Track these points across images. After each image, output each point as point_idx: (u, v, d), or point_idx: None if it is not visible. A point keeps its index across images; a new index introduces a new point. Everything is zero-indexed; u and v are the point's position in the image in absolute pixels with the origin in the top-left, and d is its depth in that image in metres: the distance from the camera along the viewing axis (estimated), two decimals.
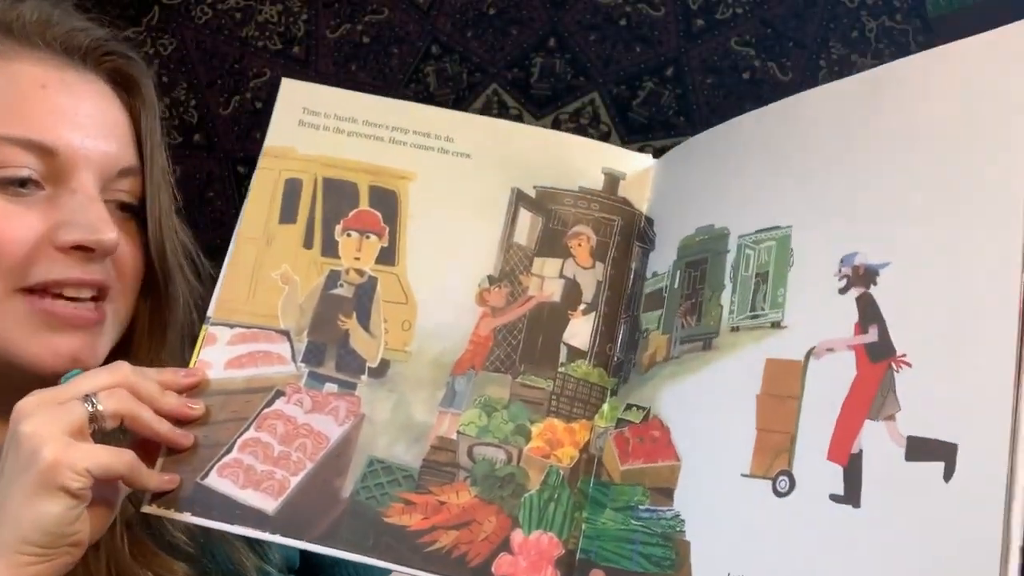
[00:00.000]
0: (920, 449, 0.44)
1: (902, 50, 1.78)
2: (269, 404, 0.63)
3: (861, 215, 0.53)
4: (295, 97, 0.69)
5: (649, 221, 0.67)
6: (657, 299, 0.64)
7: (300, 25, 1.91)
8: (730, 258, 0.60)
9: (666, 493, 0.57)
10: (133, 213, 0.71)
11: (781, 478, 0.50)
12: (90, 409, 0.55)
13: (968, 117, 0.50)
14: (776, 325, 0.55)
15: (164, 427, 0.60)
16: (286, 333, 0.65)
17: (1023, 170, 0.46)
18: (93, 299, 0.68)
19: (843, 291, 0.52)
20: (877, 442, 0.46)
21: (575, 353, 0.65)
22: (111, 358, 0.67)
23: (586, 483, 0.62)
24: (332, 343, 0.65)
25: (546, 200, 0.67)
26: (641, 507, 0.58)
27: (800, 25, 1.87)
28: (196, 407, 0.62)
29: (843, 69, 1.81)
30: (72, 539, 0.54)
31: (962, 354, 0.45)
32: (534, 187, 0.67)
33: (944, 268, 0.48)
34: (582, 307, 0.66)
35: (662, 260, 0.65)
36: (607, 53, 1.92)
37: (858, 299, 0.51)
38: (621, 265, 0.66)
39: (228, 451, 0.62)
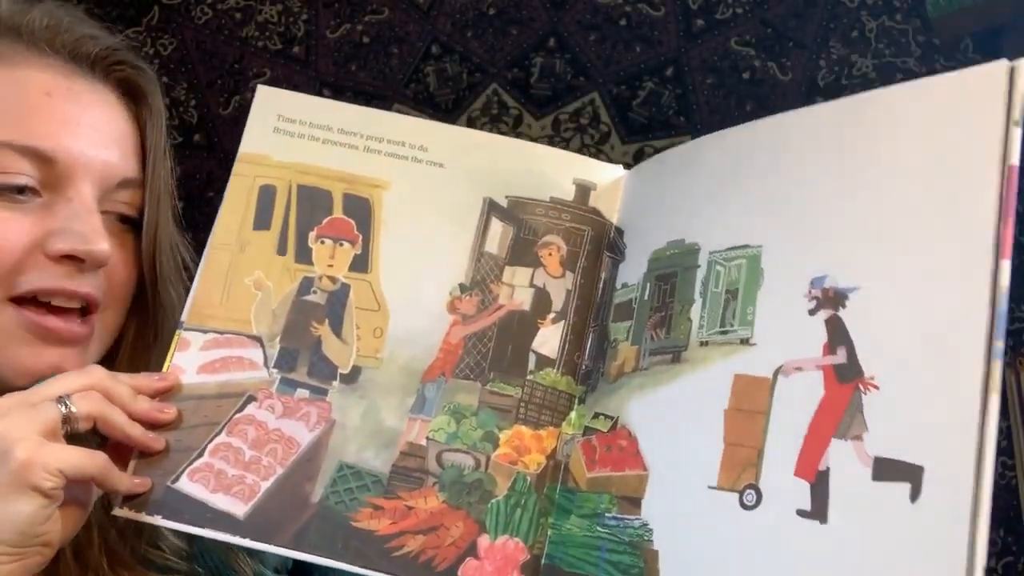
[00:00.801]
0: (887, 470, 0.46)
1: (902, 50, 1.78)
2: (241, 409, 0.64)
3: (832, 239, 0.54)
4: (270, 104, 0.69)
5: (619, 232, 0.68)
6: (627, 310, 0.65)
7: (300, 25, 1.91)
8: (700, 273, 0.60)
9: (634, 502, 0.58)
10: (132, 225, 0.71)
11: (748, 492, 0.51)
12: (63, 410, 0.55)
13: (937, 149, 0.51)
14: (745, 342, 0.56)
15: (136, 431, 0.61)
16: (258, 339, 0.66)
17: (991, 201, 0.48)
18: (82, 312, 0.68)
19: (812, 312, 0.53)
20: (844, 461, 0.48)
21: (544, 361, 0.65)
22: None
23: (552, 489, 0.63)
24: (304, 349, 0.66)
25: (517, 210, 0.68)
26: (608, 515, 0.59)
27: (800, 25, 1.87)
28: (168, 411, 0.63)
29: (843, 69, 1.81)
30: (43, 539, 0.55)
31: (929, 378, 0.46)
32: (506, 197, 0.68)
33: (913, 294, 0.49)
34: (551, 316, 0.66)
35: (632, 271, 0.66)
36: (607, 53, 1.92)
37: (827, 321, 0.52)
38: (591, 275, 0.67)
39: (199, 455, 0.63)
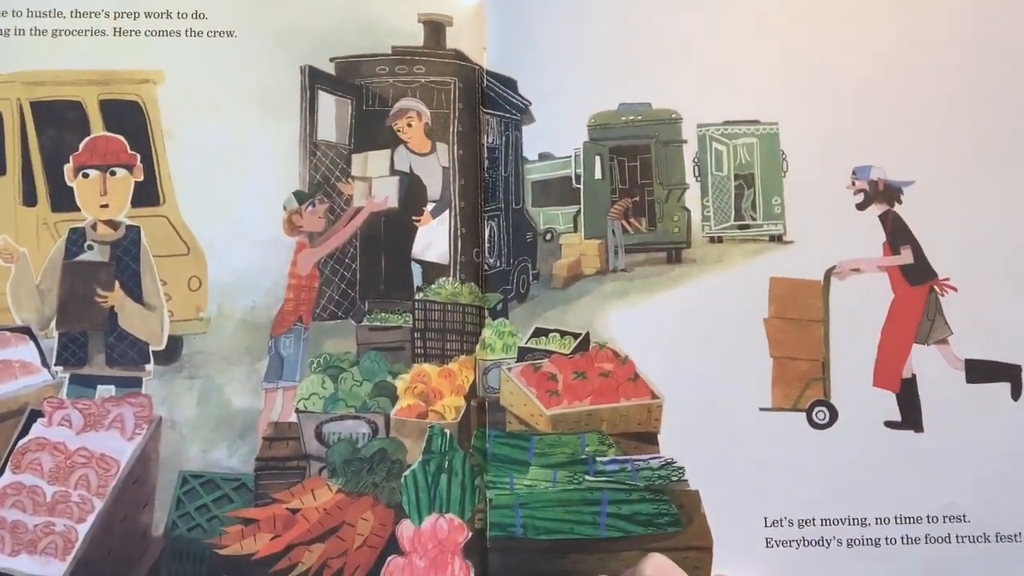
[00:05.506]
0: (981, 371, 0.47)
1: None
2: (24, 432, 0.48)
3: (874, 124, 0.51)
4: None
5: (503, 80, 0.50)
6: (560, 190, 0.52)
7: None
8: (688, 150, 0.52)
9: (643, 438, 0.49)
10: None
11: (818, 409, 0.49)
12: None
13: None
14: (777, 239, 0.51)
15: None
16: (26, 330, 0.48)
17: None
18: None
19: (861, 206, 0.50)
20: (931, 367, 0.48)
21: (433, 270, 0.50)
22: None
23: (482, 437, 0.47)
24: (95, 329, 0.49)
25: (350, 74, 0.51)
26: (603, 459, 0.48)
27: None
28: None
29: None
30: None
31: (1017, 277, 0.47)
32: (331, 60, 0.51)
33: (988, 187, 0.49)
34: (430, 207, 0.51)
35: (555, 137, 0.52)
36: None
37: (882, 217, 0.49)
38: (471, 141, 0.50)
39: None
